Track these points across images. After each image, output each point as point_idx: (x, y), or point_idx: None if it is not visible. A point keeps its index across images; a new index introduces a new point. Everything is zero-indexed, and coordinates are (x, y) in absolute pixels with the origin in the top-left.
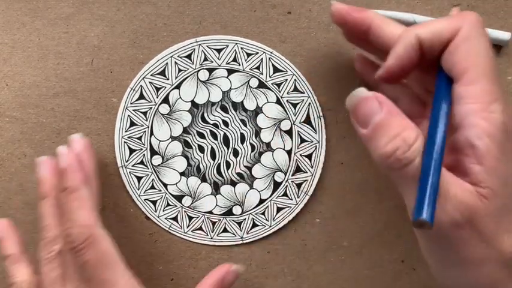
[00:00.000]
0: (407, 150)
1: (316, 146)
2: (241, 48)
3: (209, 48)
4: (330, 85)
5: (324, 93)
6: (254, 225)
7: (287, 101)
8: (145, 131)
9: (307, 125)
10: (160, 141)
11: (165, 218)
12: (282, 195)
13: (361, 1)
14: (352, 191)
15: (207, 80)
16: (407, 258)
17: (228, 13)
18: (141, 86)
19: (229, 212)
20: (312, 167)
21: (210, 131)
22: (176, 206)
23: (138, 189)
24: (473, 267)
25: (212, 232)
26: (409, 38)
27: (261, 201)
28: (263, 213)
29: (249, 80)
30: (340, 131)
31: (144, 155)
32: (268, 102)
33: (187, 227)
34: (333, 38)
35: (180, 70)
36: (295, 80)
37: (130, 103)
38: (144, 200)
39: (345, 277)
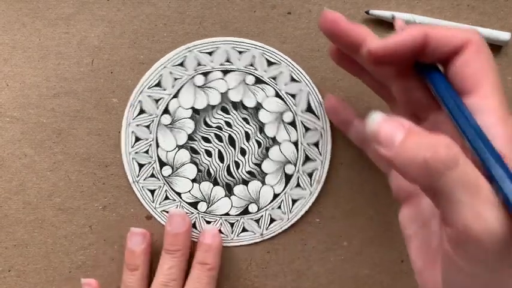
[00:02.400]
0: (449, 151)
1: (321, 132)
2: (232, 47)
3: (200, 52)
4: (330, 86)
5: (323, 95)
6: (272, 220)
7: (286, 92)
8: (151, 144)
9: (310, 113)
10: (167, 151)
11: None
12: (295, 187)
13: (362, 1)
14: (351, 191)
15: (204, 85)
16: (407, 258)
17: (228, 13)
18: (140, 100)
19: (245, 211)
20: (320, 154)
21: (215, 134)
22: (193, 213)
23: (153, 202)
24: None
25: (232, 233)
26: (418, 31)
27: (275, 195)
28: (279, 207)
29: (244, 78)
30: (339, 131)
31: (153, 167)
32: (267, 96)
33: None
34: None
35: (175, 79)
36: (290, 70)
37: (132, 119)
38: (161, 211)
39: (344, 277)
